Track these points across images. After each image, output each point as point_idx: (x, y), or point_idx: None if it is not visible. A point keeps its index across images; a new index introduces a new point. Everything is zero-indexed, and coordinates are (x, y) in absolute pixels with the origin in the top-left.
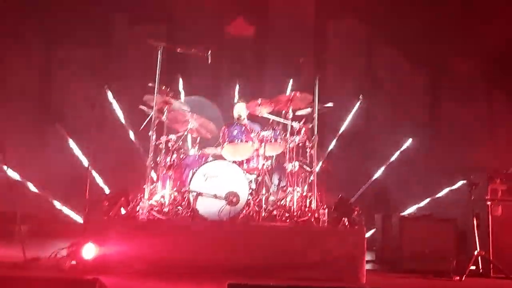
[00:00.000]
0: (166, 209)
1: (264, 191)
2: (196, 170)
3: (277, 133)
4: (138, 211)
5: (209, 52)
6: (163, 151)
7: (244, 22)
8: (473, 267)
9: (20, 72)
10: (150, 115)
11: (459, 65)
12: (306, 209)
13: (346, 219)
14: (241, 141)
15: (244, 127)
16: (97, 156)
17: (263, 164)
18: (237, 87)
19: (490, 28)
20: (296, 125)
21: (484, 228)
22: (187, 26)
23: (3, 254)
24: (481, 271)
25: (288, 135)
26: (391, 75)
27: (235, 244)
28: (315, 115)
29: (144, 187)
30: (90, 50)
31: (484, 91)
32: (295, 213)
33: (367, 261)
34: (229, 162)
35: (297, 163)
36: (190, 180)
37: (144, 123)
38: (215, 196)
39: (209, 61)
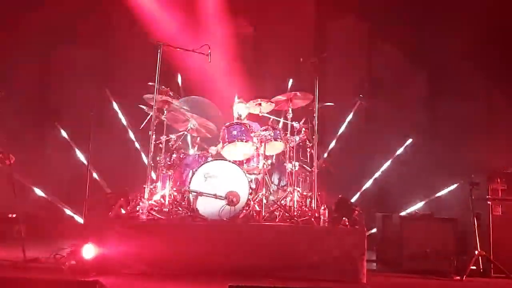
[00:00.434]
0: (166, 209)
1: (264, 190)
2: (196, 170)
3: (277, 133)
4: (138, 211)
5: (209, 51)
6: (163, 151)
7: (244, 20)
8: (473, 267)
9: (20, 72)
10: (150, 115)
11: (459, 64)
12: (306, 209)
13: (346, 219)
14: (241, 140)
15: (244, 126)
16: (97, 156)
17: (263, 164)
18: (237, 86)
19: (490, 28)
20: (296, 124)
21: (485, 228)
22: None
23: (2, 254)
24: (481, 270)
25: (288, 134)
26: (391, 74)
27: (235, 244)
28: (315, 114)
29: (144, 187)
30: (90, 49)
31: (484, 90)
32: (295, 213)
33: (368, 261)
34: (229, 162)
35: (297, 163)
36: (190, 180)
37: (144, 123)
38: (215, 196)
39: (210, 60)
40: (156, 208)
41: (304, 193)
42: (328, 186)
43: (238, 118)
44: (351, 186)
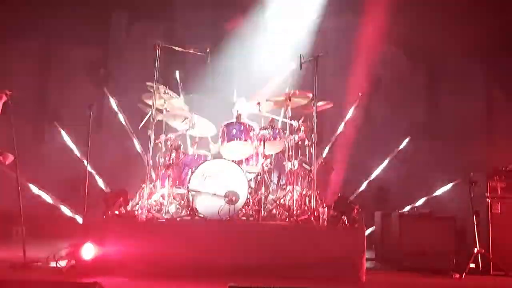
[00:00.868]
0: (165, 209)
1: (263, 190)
2: (195, 169)
3: (276, 132)
4: (137, 210)
5: (208, 50)
6: (162, 150)
7: (242, 19)
8: (472, 265)
9: (19, 71)
10: (149, 114)
11: (459, 63)
12: (306, 208)
13: (345, 218)
14: (240, 139)
15: (243, 125)
16: (96, 156)
17: (263, 163)
18: (236, 85)
19: (490, 28)
20: (295, 123)
21: (484, 226)
22: (186, 24)
23: (2, 255)
24: (480, 268)
25: (287, 133)
26: (390, 73)
27: (235, 243)
28: (314, 113)
29: (143, 186)
30: (89, 49)
31: (483, 89)
32: (294, 212)
33: (367, 259)
34: (228, 161)
35: (296, 162)
36: (189, 179)
37: (143, 122)
38: (215, 195)
39: (208, 60)
40: (155, 208)
41: (304, 192)
42: (328, 185)
43: (237, 117)
44: (350, 185)
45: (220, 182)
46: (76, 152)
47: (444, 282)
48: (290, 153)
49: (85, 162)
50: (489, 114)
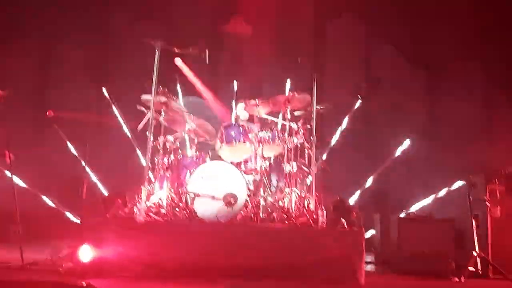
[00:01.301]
0: (163, 211)
1: (262, 192)
2: (193, 171)
3: (275, 134)
4: (135, 212)
5: (207, 52)
6: (161, 152)
7: (242, 21)
8: (472, 268)
9: (17, 71)
10: (148, 116)
11: (459, 65)
12: (305, 210)
13: (344, 220)
14: (239, 141)
15: (242, 127)
16: (94, 157)
17: (261, 165)
18: (235, 87)
19: (490, 27)
20: (294, 125)
21: (483, 229)
22: (185, 26)
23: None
24: (480, 272)
25: (286, 135)
26: (390, 75)
27: (233, 246)
28: (313, 115)
29: (141, 188)
30: (88, 49)
31: (483, 91)
32: (293, 214)
33: (366, 262)
34: (227, 163)
35: (295, 164)
36: (188, 181)
37: (142, 124)
38: (213, 197)
39: (207, 62)
40: (154, 210)
41: (302, 195)
42: (327, 187)
43: (236, 119)
44: (349, 187)
45: (219, 184)
46: (74, 153)
47: (443, 285)
48: (289, 155)
49: (83, 163)
50: (489, 117)
